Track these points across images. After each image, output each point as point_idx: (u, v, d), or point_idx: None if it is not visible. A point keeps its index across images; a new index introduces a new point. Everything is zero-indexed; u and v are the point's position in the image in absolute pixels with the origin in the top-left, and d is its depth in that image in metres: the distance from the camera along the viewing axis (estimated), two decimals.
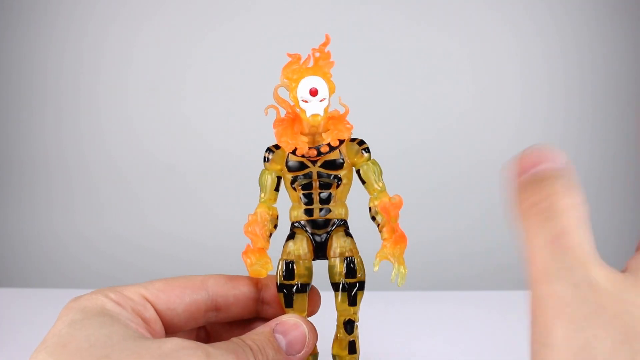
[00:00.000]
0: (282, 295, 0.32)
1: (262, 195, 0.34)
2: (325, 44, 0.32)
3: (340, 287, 0.32)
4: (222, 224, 0.90)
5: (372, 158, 0.33)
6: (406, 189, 0.96)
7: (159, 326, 0.30)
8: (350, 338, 0.32)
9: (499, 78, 0.90)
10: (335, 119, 0.32)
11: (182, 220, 0.92)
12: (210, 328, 0.34)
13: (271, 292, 0.33)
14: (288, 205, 0.34)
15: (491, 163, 0.92)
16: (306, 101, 0.32)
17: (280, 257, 0.33)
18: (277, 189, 0.34)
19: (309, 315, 0.33)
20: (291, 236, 0.33)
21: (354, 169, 0.33)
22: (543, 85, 0.90)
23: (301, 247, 0.32)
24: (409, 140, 0.90)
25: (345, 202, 0.33)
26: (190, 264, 0.90)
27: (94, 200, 0.92)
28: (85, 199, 0.92)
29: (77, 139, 0.91)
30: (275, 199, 0.34)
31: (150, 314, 0.29)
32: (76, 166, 0.92)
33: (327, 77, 0.32)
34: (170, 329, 0.31)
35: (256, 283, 0.33)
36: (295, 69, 0.32)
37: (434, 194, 0.91)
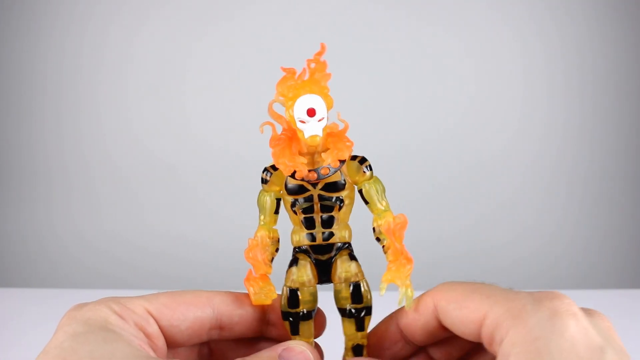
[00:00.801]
0: (287, 323, 0.31)
1: (262, 217, 0.32)
2: (320, 53, 0.30)
3: (348, 312, 0.31)
4: (221, 224, 0.90)
5: (374, 176, 0.32)
6: (407, 189, 0.97)
7: (161, 342, 0.29)
8: None
9: (500, 78, 0.90)
10: (334, 136, 0.31)
11: (182, 221, 0.92)
12: (214, 345, 0.34)
13: (277, 314, 0.32)
14: (288, 226, 0.33)
15: (492, 163, 0.92)
16: (303, 122, 0.30)
17: (283, 283, 0.32)
18: (277, 212, 0.32)
19: (315, 337, 0.33)
20: (294, 262, 0.32)
21: (356, 187, 0.32)
22: (544, 85, 0.90)
23: (305, 273, 0.31)
24: (410, 140, 0.90)
25: (348, 222, 0.32)
26: (190, 264, 0.90)
27: (93, 201, 0.92)
28: (85, 199, 0.92)
29: (77, 139, 0.91)
30: (275, 221, 0.32)
31: (153, 329, 0.29)
32: (76, 166, 0.92)
33: (324, 93, 0.30)
34: (173, 345, 0.30)
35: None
36: (290, 85, 0.30)
37: (435, 194, 0.91)
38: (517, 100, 0.90)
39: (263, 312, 0.32)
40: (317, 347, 0.33)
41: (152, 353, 0.28)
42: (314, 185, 0.31)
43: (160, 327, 0.29)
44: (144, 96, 0.90)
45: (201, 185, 0.91)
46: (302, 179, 0.31)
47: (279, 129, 0.31)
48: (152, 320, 0.29)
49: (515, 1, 0.88)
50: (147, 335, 0.28)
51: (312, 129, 0.30)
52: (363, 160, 0.31)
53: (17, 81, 0.91)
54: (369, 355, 0.32)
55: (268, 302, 0.31)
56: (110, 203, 0.92)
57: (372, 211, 0.32)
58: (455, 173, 0.91)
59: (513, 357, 0.23)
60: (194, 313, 0.30)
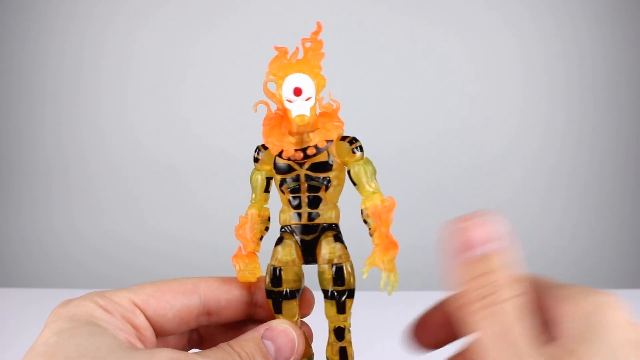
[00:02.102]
0: (270, 301, 0.31)
1: (253, 196, 0.33)
2: (317, 32, 0.30)
3: (329, 294, 0.31)
4: (220, 224, 0.90)
5: (365, 157, 0.31)
6: (407, 188, 0.97)
7: (149, 332, 0.29)
8: (342, 344, 0.32)
9: (500, 79, 0.90)
10: (326, 116, 0.30)
11: (181, 221, 0.92)
12: (203, 330, 0.34)
13: (264, 295, 0.32)
14: (279, 207, 0.33)
15: (492, 163, 0.92)
16: (290, 101, 0.30)
17: (269, 262, 0.32)
18: (267, 190, 0.32)
19: (302, 317, 0.33)
20: (279, 241, 0.31)
21: (346, 168, 0.31)
22: (544, 85, 0.90)
23: (289, 252, 0.31)
24: (410, 140, 0.90)
25: (337, 204, 0.32)
26: (189, 264, 0.90)
27: (93, 201, 0.92)
28: (84, 200, 0.92)
29: (77, 139, 0.92)
30: (266, 200, 0.33)
31: (140, 320, 0.29)
32: (76, 167, 0.92)
33: (314, 73, 0.30)
34: (161, 334, 0.30)
35: (249, 286, 0.32)
36: (280, 64, 0.30)
37: (435, 194, 0.91)
38: (517, 101, 0.90)
39: (250, 294, 0.32)
40: (306, 327, 0.33)
41: (139, 345, 0.28)
42: (301, 165, 0.31)
43: (147, 318, 0.29)
44: (144, 97, 0.90)
45: (201, 186, 0.91)
46: (289, 158, 0.31)
47: (274, 108, 0.31)
48: (138, 312, 0.29)
49: (515, 1, 0.88)
50: (135, 327, 0.28)
51: (298, 109, 0.30)
52: (353, 140, 0.31)
53: (17, 81, 0.91)
54: (416, 338, 0.31)
55: (253, 279, 0.31)
56: (110, 203, 0.92)
57: (360, 193, 0.31)
58: (455, 173, 0.91)
59: (566, 330, 0.23)
60: (181, 301, 0.30)
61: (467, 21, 0.88)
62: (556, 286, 0.26)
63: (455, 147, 0.90)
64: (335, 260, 0.31)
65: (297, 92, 0.30)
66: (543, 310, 0.25)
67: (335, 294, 0.31)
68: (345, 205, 0.32)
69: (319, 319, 0.33)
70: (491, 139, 0.91)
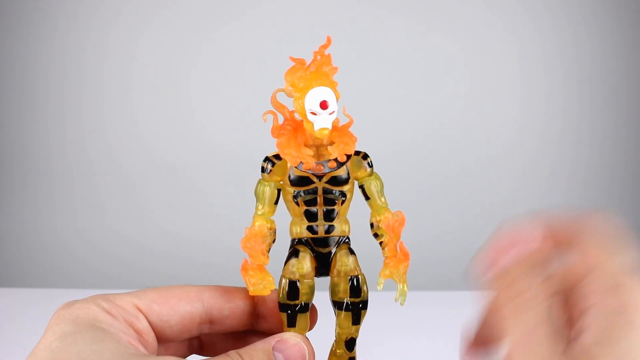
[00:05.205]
0: (285, 315, 0.31)
1: (260, 207, 0.32)
2: (325, 46, 0.31)
3: (345, 306, 0.31)
4: (225, 224, 0.90)
5: (374, 172, 0.32)
6: (406, 188, 0.96)
7: (151, 337, 0.29)
8: (351, 355, 0.32)
9: (498, 77, 0.90)
10: (339, 130, 0.31)
11: (186, 221, 0.92)
12: (204, 338, 0.34)
13: (268, 307, 0.32)
14: (282, 217, 0.33)
15: (490, 162, 0.92)
16: (315, 113, 0.30)
17: (282, 274, 0.31)
18: (276, 202, 0.32)
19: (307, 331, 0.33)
20: (294, 253, 0.31)
21: (357, 183, 0.32)
22: (542, 84, 0.90)
23: (305, 265, 0.31)
24: (409, 139, 0.90)
25: (347, 217, 0.32)
26: (194, 264, 0.90)
27: (96, 201, 0.92)
28: (87, 199, 0.92)
29: (80, 138, 0.92)
30: (274, 212, 0.32)
31: (143, 325, 0.29)
32: (79, 166, 0.92)
33: (334, 87, 0.30)
34: (163, 340, 0.30)
35: (253, 297, 0.32)
36: (301, 76, 0.30)
37: (434, 194, 0.91)
38: (516, 99, 0.90)
39: (253, 305, 0.32)
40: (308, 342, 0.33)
41: (142, 349, 0.28)
42: (319, 177, 0.31)
43: (149, 323, 0.29)
44: (148, 95, 0.90)
45: (205, 185, 0.91)
46: (308, 171, 0.31)
47: (281, 119, 0.31)
48: (141, 316, 0.29)
49: (513, 1, 0.88)
50: (137, 332, 0.28)
51: (322, 122, 0.30)
52: (365, 156, 0.32)
53: (20, 80, 0.91)
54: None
55: (266, 293, 0.31)
56: (113, 203, 0.92)
57: (371, 207, 0.32)
58: (454, 173, 0.91)
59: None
60: (184, 308, 0.30)
61: (464, 20, 0.88)
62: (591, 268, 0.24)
63: (454, 146, 0.90)
64: (351, 273, 0.31)
65: (324, 105, 0.30)
66: (571, 300, 0.24)
67: (351, 305, 0.31)
68: (352, 219, 0.33)
69: (319, 332, 0.33)
70: (490, 137, 0.91)
